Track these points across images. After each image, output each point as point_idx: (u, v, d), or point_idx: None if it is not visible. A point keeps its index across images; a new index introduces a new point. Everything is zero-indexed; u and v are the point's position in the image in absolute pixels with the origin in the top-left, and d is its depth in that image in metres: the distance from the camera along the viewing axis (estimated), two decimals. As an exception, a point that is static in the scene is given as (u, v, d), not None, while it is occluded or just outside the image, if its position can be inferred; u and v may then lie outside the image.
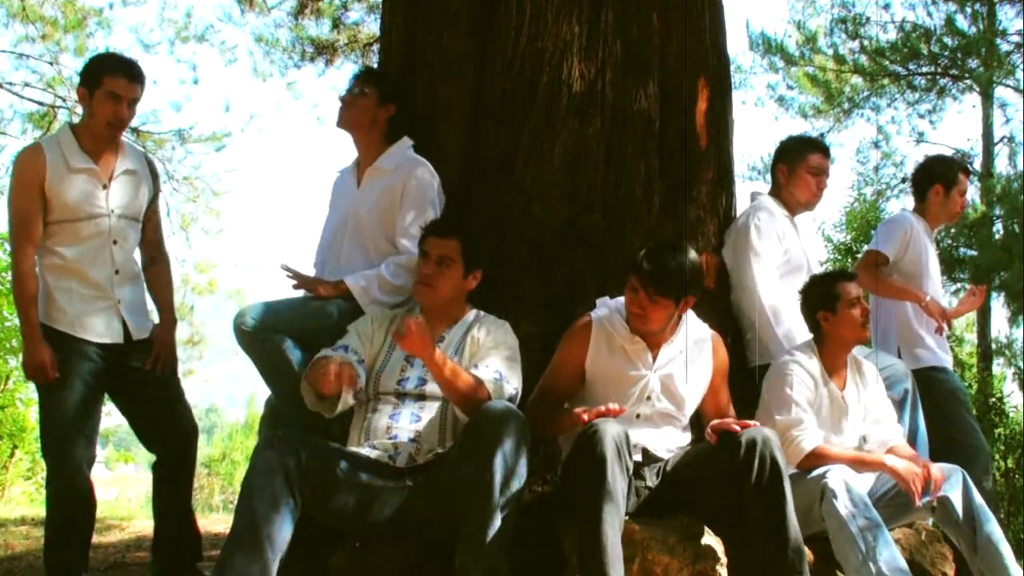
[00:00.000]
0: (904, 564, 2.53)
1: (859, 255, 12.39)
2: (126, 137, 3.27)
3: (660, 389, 2.67)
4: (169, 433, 3.08)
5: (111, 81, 2.95)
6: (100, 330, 2.94)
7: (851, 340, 3.01)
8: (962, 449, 3.52)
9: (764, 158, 14.56)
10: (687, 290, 2.61)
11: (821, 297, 3.01)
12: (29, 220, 2.91)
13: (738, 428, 2.43)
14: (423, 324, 2.38)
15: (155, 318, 3.20)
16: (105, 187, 2.99)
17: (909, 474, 2.70)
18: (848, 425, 2.98)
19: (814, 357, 2.97)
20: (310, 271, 3.20)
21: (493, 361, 2.59)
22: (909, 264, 3.74)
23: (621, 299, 2.74)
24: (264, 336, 2.79)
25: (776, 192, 3.56)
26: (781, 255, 3.36)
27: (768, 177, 3.73)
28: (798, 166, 3.51)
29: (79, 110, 3.12)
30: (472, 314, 2.76)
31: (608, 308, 2.74)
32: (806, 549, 2.41)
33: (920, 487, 2.68)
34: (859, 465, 2.77)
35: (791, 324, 3.22)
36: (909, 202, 4.06)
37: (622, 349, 2.67)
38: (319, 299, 2.93)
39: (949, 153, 12.13)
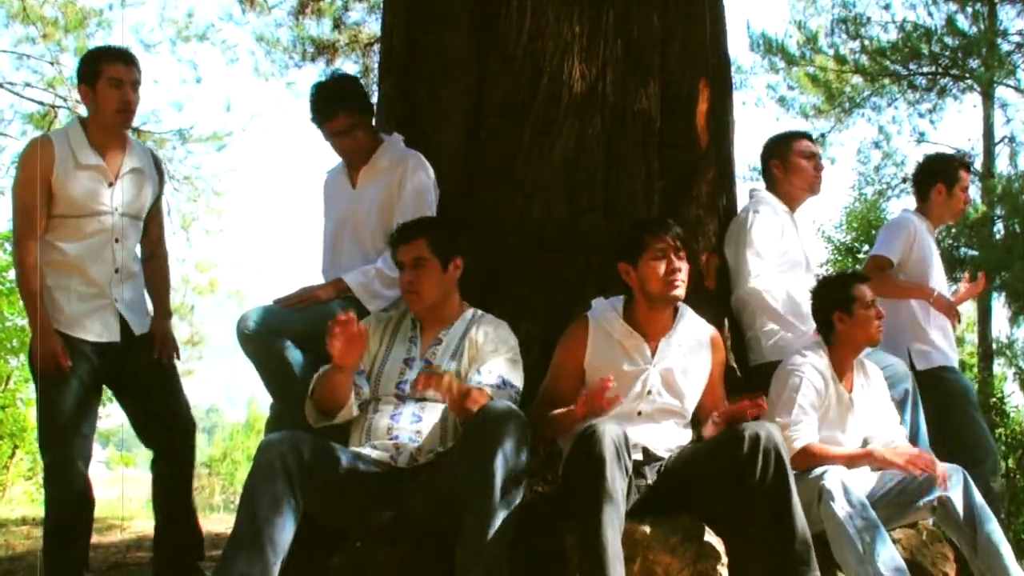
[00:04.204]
0: (902, 564, 2.53)
1: (860, 255, 12.42)
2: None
3: (660, 383, 2.67)
4: (166, 428, 3.08)
5: (110, 68, 2.99)
6: (98, 329, 2.94)
7: (864, 342, 3.00)
8: (973, 450, 3.51)
9: (764, 159, 14.52)
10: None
11: (837, 299, 2.99)
12: (33, 213, 2.90)
13: (749, 404, 2.44)
14: (433, 374, 2.41)
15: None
16: (111, 185, 2.99)
17: (902, 457, 2.70)
18: (853, 425, 2.98)
19: (823, 357, 2.97)
20: (317, 279, 3.20)
21: (495, 365, 2.58)
22: (914, 265, 3.73)
23: (616, 298, 2.75)
24: (266, 339, 2.80)
25: (774, 188, 3.55)
26: (781, 250, 3.36)
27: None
28: (788, 155, 3.52)
29: (80, 110, 3.15)
30: (469, 313, 2.75)
31: (604, 306, 2.74)
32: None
33: (920, 466, 2.69)
34: (850, 461, 2.77)
35: (791, 308, 3.22)
36: (910, 202, 4.05)
37: (620, 345, 2.67)
38: (321, 301, 2.93)
39: (950, 153, 12.13)
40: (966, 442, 3.55)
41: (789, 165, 3.52)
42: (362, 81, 4.91)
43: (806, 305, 3.15)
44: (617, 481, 2.26)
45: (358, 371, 2.63)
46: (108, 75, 2.97)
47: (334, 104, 3.07)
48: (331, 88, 3.12)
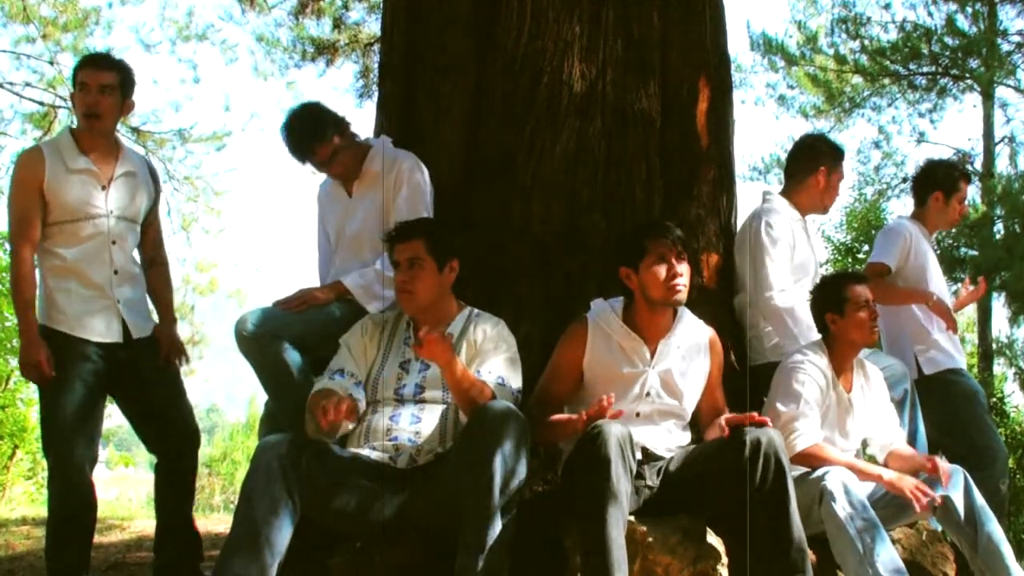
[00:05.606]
0: (902, 565, 2.53)
1: (860, 255, 12.41)
2: (127, 139, 3.27)
3: (659, 385, 2.66)
4: (168, 433, 3.08)
5: (79, 73, 3.02)
6: (100, 330, 2.95)
7: (858, 342, 3.00)
8: (982, 452, 3.50)
9: (765, 158, 14.57)
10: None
11: (830, 299, 3.00)
12: (28, 221, 2.92)
13: (755, 415, 2.43)
14: (441, 332, 2.37)
15: (155, 319, 3.20)
16: (104, 188, 3.00)
17: (909, 487, 2.68)
18: (852, 427, 2.98)
19: (824, 357, 2.97)
20: (316, 280, 3.20)
21: (495, 364, 2.58)
22: (912, 271, 3.72)
23: (615, 300, 2.75)
24: (264, 341, 2.79)
25: (794, 193, 3.50)
26: (795, 261, 3.33)
27: (769, 177, 3.71)
28: (835, 171, 3.51)
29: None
30: (466, 312, 2.74)
31: (603, 308, 2.73)
32: (808, 550, 2.41)
33: (922, 497, 2.66)
34: (855, 474, 2.76)
35: (806, 325, 3.21)
36: (910, 202, 4.05)
37: (619, 347, 2.67)
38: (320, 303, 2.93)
39: (950, 153, 12.16)
40: (976, 445, 3.54)
41: (831, 181, 3.50)
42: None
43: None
44: (621, 481, 2.25)
45: (355, 382, 2.62)
46: (78, 80, 3.00)
47: (308, 141, 3.05)
48: (297, 128, 3.07)
